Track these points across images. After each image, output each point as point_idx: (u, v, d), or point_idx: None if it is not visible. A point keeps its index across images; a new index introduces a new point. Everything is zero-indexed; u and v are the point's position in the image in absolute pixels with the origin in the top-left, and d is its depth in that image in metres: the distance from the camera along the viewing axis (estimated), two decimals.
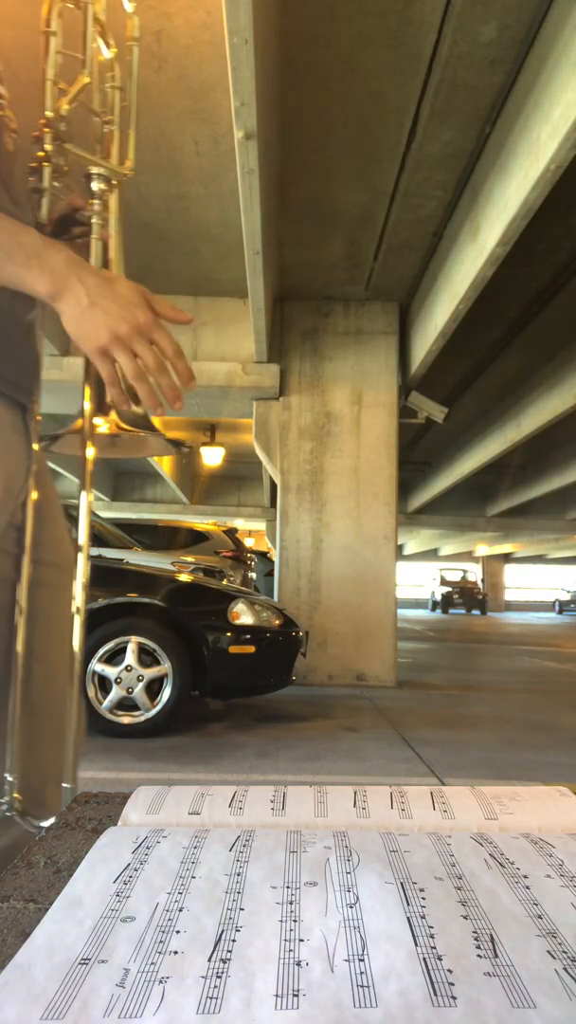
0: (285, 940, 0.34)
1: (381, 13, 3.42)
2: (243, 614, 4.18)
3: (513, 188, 3.89)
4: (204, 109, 4.05)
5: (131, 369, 0.82)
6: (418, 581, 32.77)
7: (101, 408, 0.95)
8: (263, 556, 12.74)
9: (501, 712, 5.36)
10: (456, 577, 28.69)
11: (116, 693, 3.88)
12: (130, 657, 3.91)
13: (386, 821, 0.49)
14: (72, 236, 1.01)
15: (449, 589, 27.34)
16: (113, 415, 0.94)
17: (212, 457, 11.78)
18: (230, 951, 0.33)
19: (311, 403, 6.59)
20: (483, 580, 30.45)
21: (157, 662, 3.96)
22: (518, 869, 0.41)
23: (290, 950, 0.33)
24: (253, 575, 9.92)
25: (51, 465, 1.08)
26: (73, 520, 1.01)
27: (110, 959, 0.33)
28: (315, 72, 3.81)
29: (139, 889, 0.38)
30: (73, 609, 0.93)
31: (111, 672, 3.89)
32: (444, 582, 27.96)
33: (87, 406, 0.95)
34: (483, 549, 27.88)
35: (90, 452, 0.95)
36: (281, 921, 0.35)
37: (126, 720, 3.90)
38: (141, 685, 3.90)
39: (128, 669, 3.90)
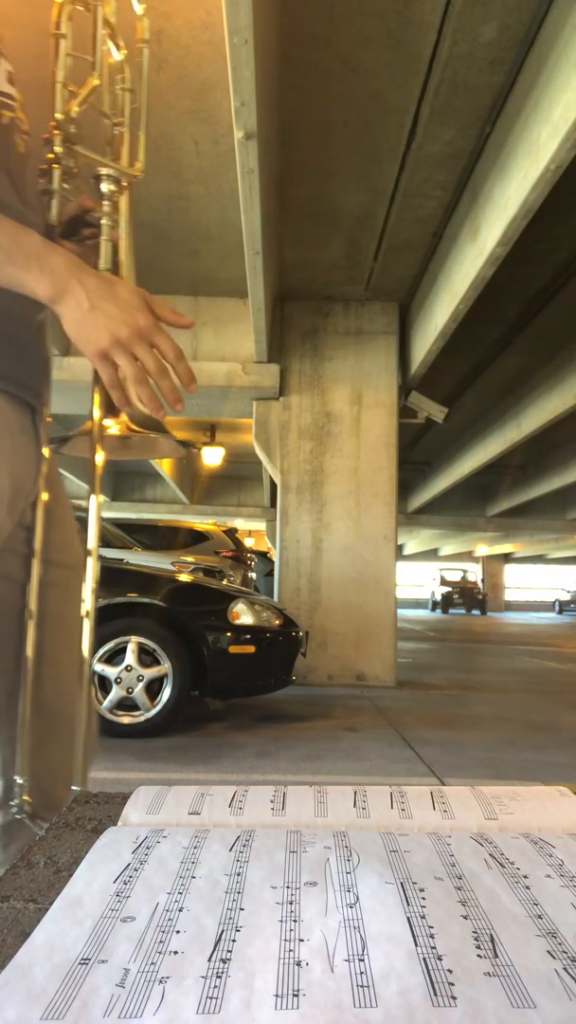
0: (285, 940, 0.34)
1: (381, 13, 3.42)
2: (243, 614, 4.18)
3: (513, 188, 3.89)
4: (204, 109, 4.05)
5: (132, 372, 0.82)
6: (418, 581, 32.76)
7: (111, 410, 0.94)
8: (263, 556, 12.74)
9: (501, 712, 5.36)
10: (456, 577, 28.69)
11: (116, 693, 3.88)
12: (130, 657, 3.91)
13: (386, 821, 0.49)
14: (82, 237, 1.01)
15: (449, 589, 27.34)
16: (124, 416, 0.93)
17: (212, 457, 11.77)
18: (230, 951, 0.33)
19: (311, 403, 6.59)
20: (483, 580, 30.44)
21: (157, 662, 3.96)
22: (518, 869, 0.41)
23: (290, 950, 0.33)
24: (253, 575, 9.93)
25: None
26: (81, 523, 1.01)
27: (110, 959, 0.32)
28: (315, 72, 3.81)
29: (139, 889, 0.38)
30: (83, 612, 0.93)
31: (111, 672, 3.89)
32: (444, 582, 27.96)
33: (96, 413, 0.94)
34: (483, 549, 27.87)
35: (100, 455, 0.94)
36: (281, 921, 0.35)
37: (126, 720, 3.90)
38: (141, 685, 3.90)
39: (128, 669, 3.90)
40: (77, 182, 0.98)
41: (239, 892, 0.38)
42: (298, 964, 0.32)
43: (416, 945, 0.33)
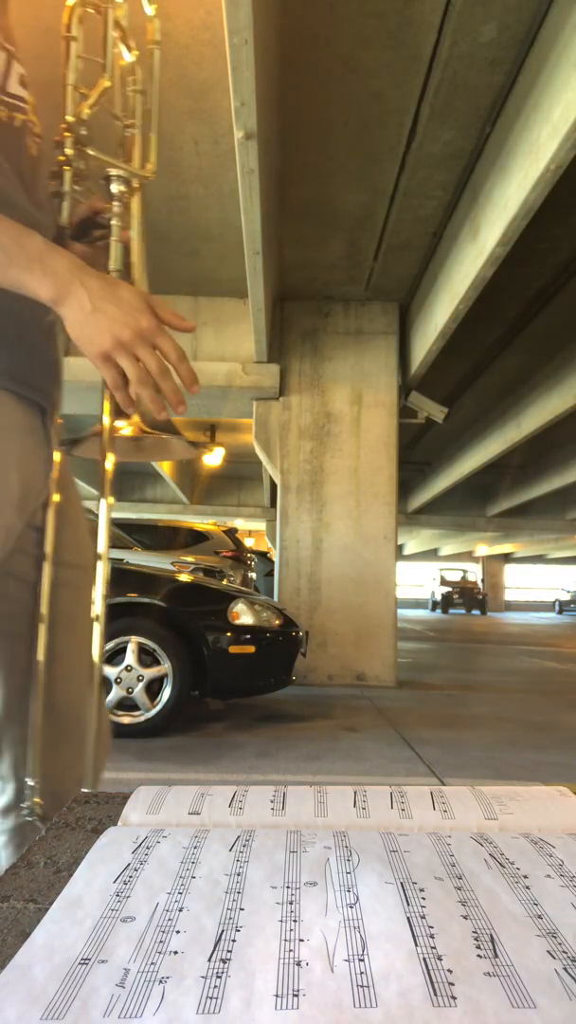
0: (285, 940, 0.34)
1: (381, 13, 3.42)
2: (243, 614, 4.18)
3: (513, 188, 3.89)
4: (204, 109, 4.06)
5: (134, 374, 0.82)
6: (418, 581, 32.77)
7: (121, 412, 0.93)
8: (263, 556, 12.73)
9: (501, 712, 5.36)
10: (456, 577, 28.69)
11: (116, 693, 3.88)
12: (130, 657, 3.91)
13: (386, 821, 0.49)
14: (92, 239, 1.02)
15: (449, 589, 27.34)
16: (136, 417, 0.93)
17: (212, 457, 11.77)
18: (230, 951, 0.33)
19: (311, 403, 6.59)
20: (483, 580, 30.45)
21: (157, 662, 3.96)
22: (518, 869, 0.41)
23: (290, 950, 0.33)
24: (253, 575, 9.92)
25: None
26: (91, 526, 1.00)
27: (110, 959, 0.32)
28: (315, 72, 3.81)
29: (139, 889, 0.38)
30: (93, 616, 0.92)
31: (111, 672, 3.89)
32: (444, 582, 27.96)
33: (105, 417, 0.93)
34: (483, 549, 27.87)
35: (110, 459, 0.93)
36: (281, 921, 0.35)
37: (126, 720, 3.90)
38: (141, 685, 3.90)
39: (128, 669, 3.90)
40: (88, 184, 0.98)
41: (239, 892, 0.38)
42: (298, 964, 0.32)
43: (416, 945, 0.33)
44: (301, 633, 4.51)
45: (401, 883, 0.39)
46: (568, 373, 8.13)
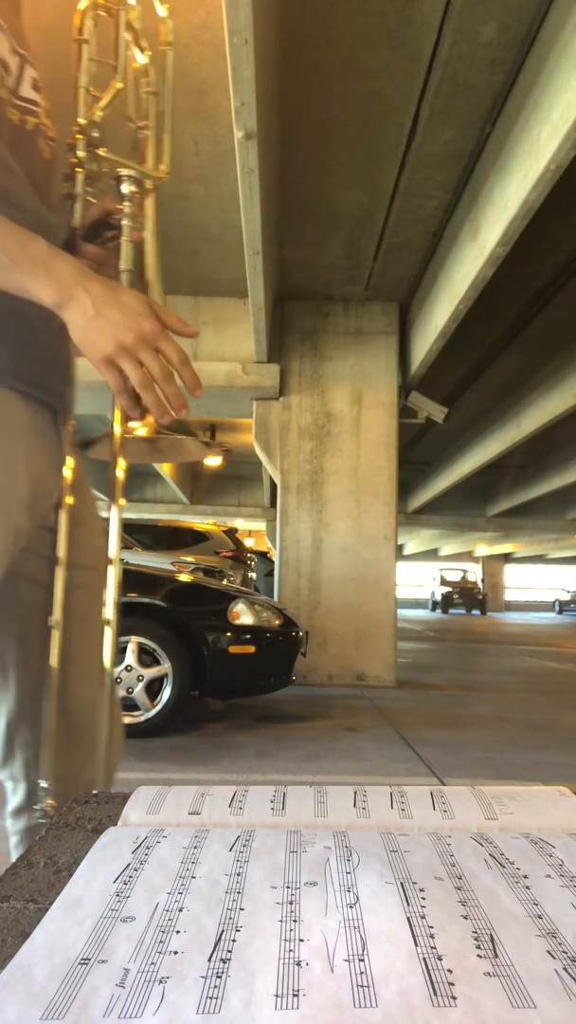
0: (285, 940, 0.34)
1: (381, 13, 3.42)
2: (243, 614, 4.18)
3: (513, 188, 3.89)
4: (204, 109, 4.06)
5: (137, 378, 0.82)
6: (418, 581, 32.76)
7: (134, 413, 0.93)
8: (263, 556, 12.74)
9: (501, 712, 5.36)
10: (456, 577, 28.68)
11: None
12: (130, 657, 3.91)
13: (386, 821, 0.49)
14: (105, 240, 1.02)
15: (449, 589, 27.34)
16: (150, 418, 0.92)
17: (212, 457, 11.77)
18: (230, 951, 0.33)
19: (311, 403, 6.59)
20: (483, 580, 30.44)
21: (157, 662, 3.96)
22: (518, 869, 0.41)
23: (290, 950, 0.33)
24: (253, 575, 9.93)
25: None
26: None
27: (110, 959, 0.32)
28: (315, 72, 3.81)
29: (139, 889, 0.38)
30: (103, 619, 0.92)
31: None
32: (444, 582, 27.96)
33: (117, 424, 0.92)
34: (483, 549, 27.88)
35: (121, 463, 0.93)
36: (281, 921, 0.35)
37: (126, 720, 3.89)
38: (141, 685, 3.90)
39: (128, 669, 3.90)
40: (101, 185, 0.98)
41: (239, 892, 0.38)
42: (298, 964, 0.32)
43: (416, 945, 0.33)
44: (301, 633, 4.51)
45: (401, 883, 0.39)
46: (568, 373, 8.13)
